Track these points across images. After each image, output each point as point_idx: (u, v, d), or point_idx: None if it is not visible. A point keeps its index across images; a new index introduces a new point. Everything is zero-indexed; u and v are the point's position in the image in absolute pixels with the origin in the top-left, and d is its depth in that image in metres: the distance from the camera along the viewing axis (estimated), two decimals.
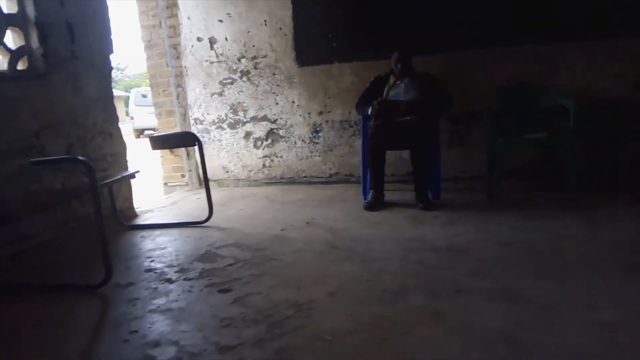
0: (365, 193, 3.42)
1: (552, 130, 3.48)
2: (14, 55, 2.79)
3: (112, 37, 3.43)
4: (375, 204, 3.21)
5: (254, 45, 4.12)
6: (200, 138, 3.29)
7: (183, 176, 4.52)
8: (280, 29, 4.01)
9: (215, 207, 3.22)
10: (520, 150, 3.54)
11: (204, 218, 3.13)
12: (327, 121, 4.07)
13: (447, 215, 2.91)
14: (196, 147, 3.12)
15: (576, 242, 2.30)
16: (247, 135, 4.30)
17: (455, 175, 3.83)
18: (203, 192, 3.54)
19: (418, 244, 2.42)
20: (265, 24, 4.04)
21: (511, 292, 1.79)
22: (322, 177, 4.17)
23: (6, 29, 2.77)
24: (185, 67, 4.33)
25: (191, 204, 3.84)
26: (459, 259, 2.19)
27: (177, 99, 4.37)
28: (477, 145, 3.66)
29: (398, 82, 3.37)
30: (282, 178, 4.28)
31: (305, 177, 4.21)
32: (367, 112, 3.33)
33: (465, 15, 3.58)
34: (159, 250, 2.67)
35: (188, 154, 4.47)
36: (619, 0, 3.26)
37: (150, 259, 2.52)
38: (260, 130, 4.26)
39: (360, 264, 2.21)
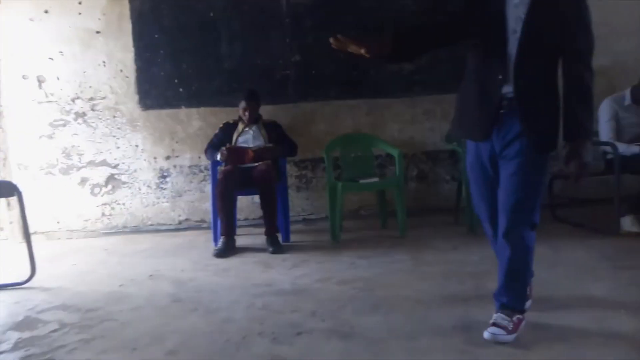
0: (216, 239, 3.36)
1: (383, 175, 3.94)
2: None
3: None
4: (226, 250, 3.17)
5: (90, 86, 3.84)
6: (25, 185, 2.91)
7: (2, 229, 3.89)
8: (122, 70, 3.83)
9: (41, 264, 2.82)
10: (358, 193, 3.90)
11: (24, 278, 2.72)
12: (175, 166, 3.95)
13: (295, 258, 3.01)
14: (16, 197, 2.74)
15: (402, 276, 2.58)
16: (83, 181, 3.92)
17: (304, 217, 4.02)
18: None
19: (265, 289, 2.45)
20: (104, 65, 3.82)
21: (346, 329, 1.92)
22: (170, 225, 3.99)
23: None
24: (6, 106, 3.82)
25: (10, 262, 3.31)
26: (303, 300, 2.28)
27: None
28: (323, 188, 3.91)
29: (246, 129, 3.47)
30: (124, 227, 3.96)
31: (151, 225, 3.97)
32: (216, 157, 3.34)
33: (308, 70, 3.88)
34: None
35: (8, 204, 3.88)
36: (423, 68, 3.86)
37: None
38: (98, 175, 3.92)
39: (204, 316, 2.15)
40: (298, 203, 4.00)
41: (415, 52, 1.87)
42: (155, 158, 3.93)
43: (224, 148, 3.28)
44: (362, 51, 1.63)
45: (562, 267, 2.61)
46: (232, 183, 3.19)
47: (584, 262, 2.66)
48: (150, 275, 2.79)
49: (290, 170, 3.94)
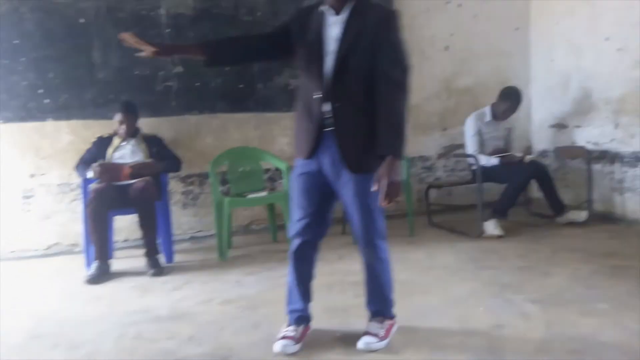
0: (89, 264, 3.07)
1: (274, 188, 3.95)
2: None
3: None
4: (100, 275, 2.91)
5: None
6: None
7: None
8: None
9: None
10: (249, 208, 3.85)
11: None
12: (41, 185, 3.55)
13: (177, 279, 2.86)
14: None
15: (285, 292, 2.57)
16: None
17: (192, 236, 3.86)
18: None
19: (140, 316, 2.29)
20: None
21: (224, 352, 1.85)
22: (37, 250, 3.57)
23: None
24: None
25: None
26: (181, 325, 2.16)
27: None
28: (211, 204, 3.78)
29: (123, 144, 3.25)
30: None
31: (12, 252, 3.52)
32: (88, 174, 3.07)
33: (192, 82, 3.76)
34: None
35: None
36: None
37: None
38: None
39: (66, 352, 1.93)
40: (185, 220, 3.83)
41: (228, 60, 2.08)
42: (17, 176, 3.50)
43: (95, 164, 3.02)
44: (143, 53, 1.71)
45: (435, 271, 2.81)
46: (105, 202, 2.95)
47: (453, 265, 2.90)
48: (6, 311, 2.46)
49: (176, 186, 3.77)
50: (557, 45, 4.28)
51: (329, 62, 1.70)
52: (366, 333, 1.84)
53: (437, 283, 2.58)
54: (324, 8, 1.72)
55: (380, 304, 1.90)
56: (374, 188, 1.66)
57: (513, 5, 4.54)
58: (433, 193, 4.38)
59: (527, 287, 2.44)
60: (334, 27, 1.70)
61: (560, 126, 4.30)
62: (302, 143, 1.78)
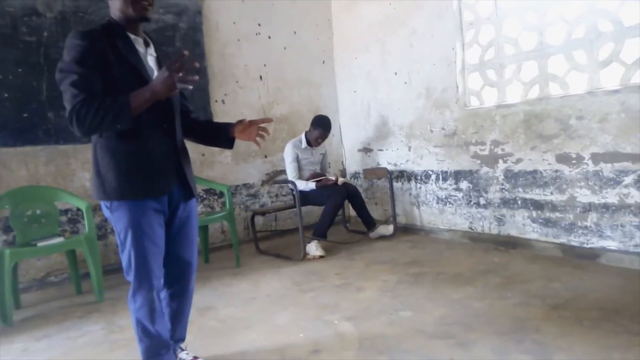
0: None
1: (76, 231, 3.43)
2: None
3: None
4: None
5: None
6: None
7: None
8: None
9: None
10: (45, 257, 3.26)
11: None
12: None
13: None
14: None
15: (89, 351, 2.21)
16: None
17: None
18: None
19: None
20: None
21: None
22: None
23: None
24: None
25: None
26: None
27: None
28: None
29: None
30: None
31: None
32: None
33: None
34: None
35: None
36: None
37: None
38: None
39: None
40: None
41: None
42: None
43: None
44: None
45: (258, 301, 2.74)
46: None
47: (276, 292, 2.88)
48: None
49: None
50: (357, 78, 4.75)
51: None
52: None
53: (259, 315, 2.51)
54: (132, 37, 1.65)
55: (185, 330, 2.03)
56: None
57: (319, 40, 4.91)
58: (259, 220, 4.38)
59: (343, 305, 2.55)
60: (147, 57, 1.70)
61: (366, 150, 4.75)
62: (151, 181, 1.65)
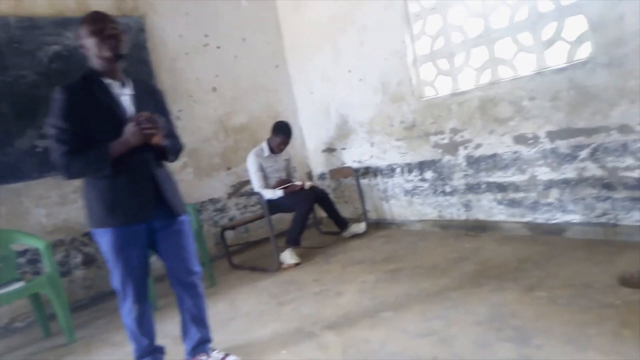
0: None
1: (38, 273, 3.26)
2: None
3: None
4: None
5: None
6: None
7: None
8: None
9: None
10: (6, 304, 3.08)
11: None
12: None
13: None
14: None
15: None
16: None
17: None
18: None
19: None
20: None
21: None
22: None
23: None
24: None
25: None
26: None
27: None
28: None
29: None
30: None
31: None
32: None
33: None
34: None
35: None
36: None
37: None
38: None
39: None
40: None
41: None
42: None
43: None
44: None
45: (237, 321, 2.68)
46: None
47: (255, 309, 2.82)
48: None
49: None
50: (313, 79, 4.72)
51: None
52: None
53: (238, 336, 2.45)
54: (108, 82, 1.87)
55: (208, 332, 2.22)
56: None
57: (269, 44, 4.84)
58: (230, 234, 4.29)
59: (324, 313, 2.52)
60: (127, 100, 1.91)
61: (330, 150, 4.73)
62: (129, 210, 1.86)
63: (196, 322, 2.11)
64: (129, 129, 1.79)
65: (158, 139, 1.83)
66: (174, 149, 2.03)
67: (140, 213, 1.88)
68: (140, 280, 1.96)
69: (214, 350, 2.17)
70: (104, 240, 1.89)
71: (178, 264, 2.03)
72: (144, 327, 2.01)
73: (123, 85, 1.92)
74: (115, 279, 1.93)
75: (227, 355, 2.14)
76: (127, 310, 1.96)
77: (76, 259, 3.54)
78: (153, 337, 2.08)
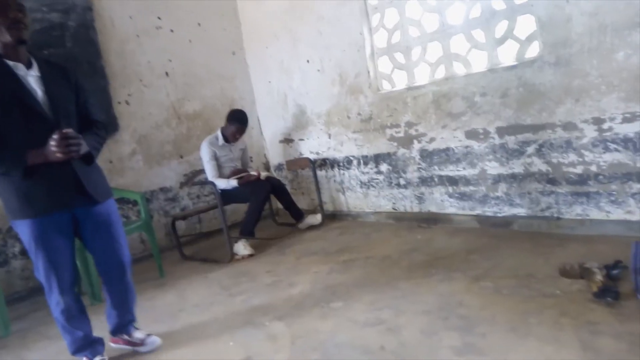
0: None
1: None
2: None
3: None
4: None
5: None
6: None
7: None
8: None
9: None
10: None
11: None
12: None
13: None
14: None
15: None
16: None
17: None
18: None
19: None
20: None
21: None
22: None
23: None
24: None
25: None
26: None
27: None
28: None
29: None
30: None
31: None
32: None
33: None
34: None
35: None
36: None
37: None
38: None
39: None
40: None
41: None
42: None
43: None
44: None
45: (186, 313, 2.60)
46: None
47: (204, 301, 2.75)
48: None
49: None
50: (270, 68, 4.64)
51: (50, 112, 1.83)
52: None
53: (187, 329, 2.38)
54: (11, 63, 1.78)
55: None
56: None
57: (226, 31, 4.72)
58: (181, 224, 4.17)
59: (275, 304, 2.49)
60: (28, 79, 1.81)
61: (287, 140, 4.68)
62: (45, 200, 1.81)
63: (119, 307, 2.12)
64: (49, 149, 1.73)
65: (78, 155, 1.81)
66: (97, 152, 1.98)
67: (58, 202, 1.84)
68: (65, 271, 1.92)
69: (137, 329, 2.21)
70: (24, 231, 1.85)
71: (106, 254, 2.02)
72: (75, 320, 1.98)
73: (29, 66, 1.84)
74: (39, 271, 1.89)
75: (149, 335, 2.18)
76: (55, 302, 1.92)
77: (14, 248, 3.33)
78: (88, 329, 2.04)
